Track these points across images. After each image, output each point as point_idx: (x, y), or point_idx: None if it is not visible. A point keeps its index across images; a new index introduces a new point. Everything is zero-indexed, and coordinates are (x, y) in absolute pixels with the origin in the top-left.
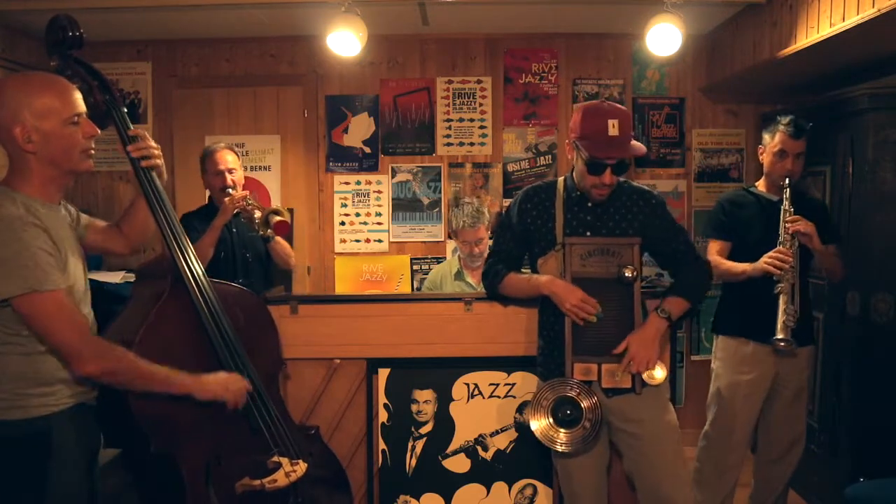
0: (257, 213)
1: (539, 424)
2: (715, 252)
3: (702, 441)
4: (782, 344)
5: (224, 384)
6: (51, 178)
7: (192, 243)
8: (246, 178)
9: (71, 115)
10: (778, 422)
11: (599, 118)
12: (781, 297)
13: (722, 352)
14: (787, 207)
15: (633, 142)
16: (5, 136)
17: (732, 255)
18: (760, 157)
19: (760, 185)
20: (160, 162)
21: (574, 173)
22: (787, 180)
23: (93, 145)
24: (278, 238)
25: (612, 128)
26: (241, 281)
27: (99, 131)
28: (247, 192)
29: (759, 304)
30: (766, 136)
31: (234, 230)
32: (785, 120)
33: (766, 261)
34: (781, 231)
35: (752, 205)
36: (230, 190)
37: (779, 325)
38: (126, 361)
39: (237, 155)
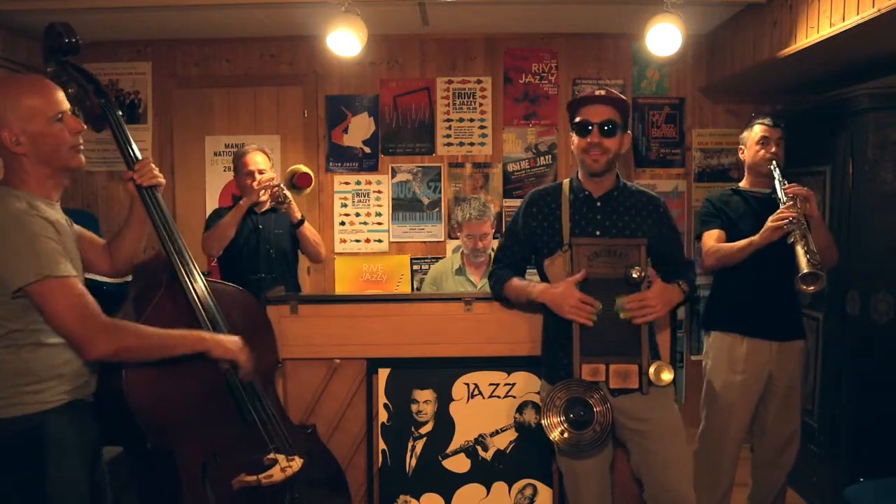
0: (282, 183)
1: (549, 420)
2: (713, 240)
3: (697, 443)
4: (811, 286)
5: (238, 345)
6: (46, 176)
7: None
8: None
9: (55, 112)
10: (772, 421)
11: (589, 91)
12: (797, 245)
13: (715, 350)
14: (780, 179)
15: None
16: None
17: None
18: (742, 156)
19: (745, 184)
20: (162, 179)
21: (579, 168)
22: (773, 164)
23: (81, 141)
24: (307, 225)
25: (599, 92)
26: (263, 275)
27: (84, 126)
28: (273, 176)
29: (752, 298)
30: (745, 134)
31: (261, 226)
32: (761, 117)
33: (770, 221)
34: (782, 197)
35: (740, 202)
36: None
37: (803, 264)
38: (135, 336)
39: (268, 156)
